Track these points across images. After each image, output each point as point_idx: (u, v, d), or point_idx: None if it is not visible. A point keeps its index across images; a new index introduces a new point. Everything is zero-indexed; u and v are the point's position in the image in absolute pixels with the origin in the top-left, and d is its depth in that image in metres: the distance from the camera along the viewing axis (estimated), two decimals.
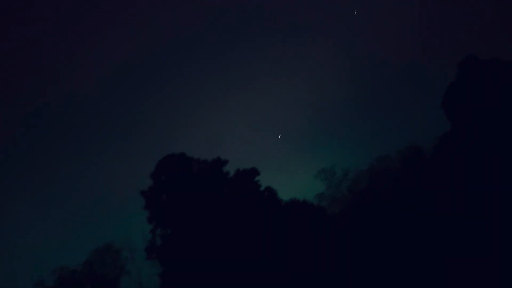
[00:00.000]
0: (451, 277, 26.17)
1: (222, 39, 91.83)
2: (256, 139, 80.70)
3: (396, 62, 78.41)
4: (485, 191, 27.42)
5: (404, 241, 28.03)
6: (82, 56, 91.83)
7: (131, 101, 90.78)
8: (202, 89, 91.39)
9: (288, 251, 30.24)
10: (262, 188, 34.13)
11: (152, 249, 31.70)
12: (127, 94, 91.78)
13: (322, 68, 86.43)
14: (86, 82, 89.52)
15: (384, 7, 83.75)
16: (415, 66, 76.45)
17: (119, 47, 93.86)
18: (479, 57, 32.84)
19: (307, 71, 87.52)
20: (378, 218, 29.41)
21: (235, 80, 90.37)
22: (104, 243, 36.10)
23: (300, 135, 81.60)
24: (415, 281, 26.84)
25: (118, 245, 35.89)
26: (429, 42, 79.64)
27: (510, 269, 25.46)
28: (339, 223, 30.91)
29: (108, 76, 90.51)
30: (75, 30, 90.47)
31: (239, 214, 32.40)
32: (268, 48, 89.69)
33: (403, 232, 28.26)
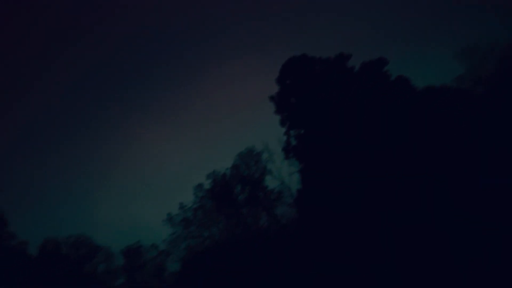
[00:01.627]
0: None
1: None
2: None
3: None
4: None
5: None
6: None
7: None
8: None
9: (428, 141, 28.95)
10: (392, 78, 32.50)
11: (288, 149, 33.62)
12: None
13: None
14: None
15: None
16: None
17: None
18: None
19: None
20: None
21: None
22: (246, 148, 39.77)
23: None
24: None
25: (258, 149, 39.20)
26: None
27: None
28: (487, 104, 28.00)
29: None
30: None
31: (368, 108, 31.75)
32: None
33: None
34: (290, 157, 33.95)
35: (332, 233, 28.33)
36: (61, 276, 28.10)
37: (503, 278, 22.40)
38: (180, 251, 40.52)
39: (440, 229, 25.30)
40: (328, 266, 27.15)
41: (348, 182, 29.30)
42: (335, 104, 32.77)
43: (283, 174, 36.45)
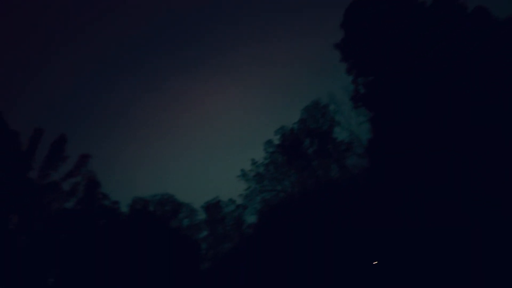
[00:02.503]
0: None
1: None
2: None
3: None
4: None
5: None
6: None
7: None
8: None
9: None
10: (469, 11, 29.55)
11: (356, 98, 32.61)
12: None
13: None
14: None
15: None
16: None
17: None
18: None
19: None
20: None
21: None
22: (312, 101, 39.32)
23: None
24: None
25: (324, 101, 38.59)
26: None
27: None
28: None
29: None
30: None
31: (443, 47, 29.43)
32: None
33: None
34: (359, 106, 32.94)
35: (405, 184, 27.60)
36: (151, 230, 30.81)
37: None
38: (255, 204, 42.29)
39: None
40: (399, 217, 26.76)
41: (423, 130, 27.95)
42: (406, 46, 30.80)
43: (352, 125, 35.71)
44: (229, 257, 39.33)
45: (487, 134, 25.29)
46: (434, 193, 25.47)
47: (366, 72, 32.10)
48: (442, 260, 24.48)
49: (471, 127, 26.54)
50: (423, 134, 28.96)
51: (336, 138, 37.78)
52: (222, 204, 47.39)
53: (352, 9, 32.05)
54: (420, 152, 27.88)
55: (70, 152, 22.71)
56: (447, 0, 29.32)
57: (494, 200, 23.81)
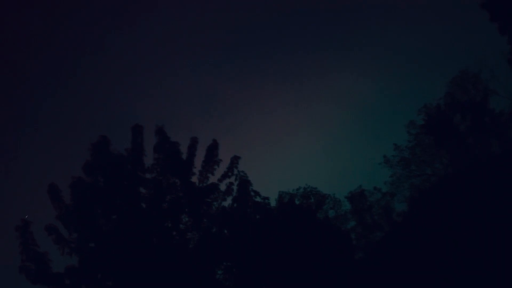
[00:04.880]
0: None
1: None
2: None
3: None
4: None
5: None
6: None
7: None
8: None
9: None
10: None
11: None
12: None
13: None
14: None
15: None
16: None
17: None
18: None
19: None
20: None
21: None
22: (458, 72, 35.28)
23: None
24: None
25: (474, 70, 34.25)
26: None
27: None
28: None
29: None
30: None
31: None
32: None
33: None
34: None
35: None
36: (300, 223, 31.52)
37: None
38: (404, 191, 39.93)
39: None
40: None
41: None
42: None
43: None
44: (381, 246, 37.92)
45: None
46: None
47: None
48: None
49: None
50: None
51: (494, 109, 33.22)
52: (367, 193, 45.93)
53: None
54: None
55: (221, 155, 24.55)
56: None
57: None
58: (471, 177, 34.73)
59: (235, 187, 24.04)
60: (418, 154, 39.38)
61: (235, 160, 23.75)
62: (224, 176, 23.76)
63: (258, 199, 25.33)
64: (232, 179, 24.00)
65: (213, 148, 23.52)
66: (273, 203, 35.75)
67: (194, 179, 23.44)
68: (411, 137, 39.66)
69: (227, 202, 24.14)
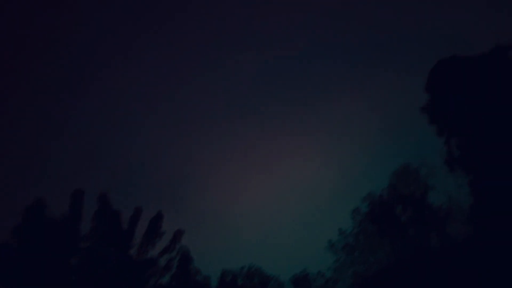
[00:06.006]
0: None
1: None
2: None
3: None
4: None
5: None
6: None
7: None
8: None
9: None
10: None
11: (451, 160, 30.58)
12: None
13: None
14: None
15: None
16: None
17: None
18: None
19: None
20: None
21: None
22: (400, 165, 37.60)
23: None
24: None
25: (414, 165, 36.67)
26: None
27: None
28: None
29: None
30: None
31: None
32: None
33: None
34: (455, 169, 30.76)
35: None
36: None
37: None
38: (347, 278, 39.82)
39: None
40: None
41: None
42: (499, 102, 28.84)
43: (450, 189, 33.17)
44: None
45: None
46: None
47: (459, 132, 30.31)
48: None
49: None
50: None
51: (432, 204, 35.18)
52: (311, 277, 45.37)
53: (437, 70, 31.27)
54: None
55: (166, 227, 23.76)
56: None
57: None
58: (410, 269, 35.55)
59: (176, 263, 23.05)
60: (362, 241, 40.07)
61: (178, 234, 23.06)
62: (165, 250, 22.84)
63: (199, 277, 24.29)
64: (174, 253, 23.08)
65: (156, 220, 22.82)
66: (215, 281, 34.21)
67: (134, 250, 22.32)
68: (355, 223, 40.60)
69: (166, 278, 22.98)
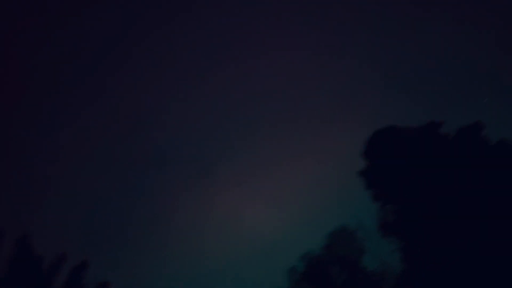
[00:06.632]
0: None
1: None
2: None
3: None
4: None
5: None
6: None
7: None
8: None
9: None
10: (492, 143, 30.05)
11: (385, 225, 31.59)
12: None
13: None
14: None
15: None
16: None
17: None
18: None
19: None
20: None
21: None
22: (338, 226, 38.23)
23: None
24: None
25: (351, 227, 37.42)
26: None
27: None
28: None
29: None
30: None
31: (469, 176, 29.27)
32: None
33: None
34: (389, 235, 31.74)
35: None
36: None
37: None
38: None
39: None
40: None
41: (461, 262, 26.21)
42: (431, 174, 30.77)
43: (383, 253, 33.94)
44: None
45: None
46: None
47: (394, 199, 31.70)
48: None
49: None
50: (461, 267, 27.05)
51: (366, 267, 35.67)
52: None
53: (374, 139, 33.02)
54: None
55: (94, 275, 21.90)
56: (469, 133, 30.03)
57: None
58: None
59: None
60: None
61: (102, 287, 21.26)
62: None
63: None
64: None
65: (80, 269, 20.99)
66: None
67: None
68: (292, 283, 39.93)
69: None
